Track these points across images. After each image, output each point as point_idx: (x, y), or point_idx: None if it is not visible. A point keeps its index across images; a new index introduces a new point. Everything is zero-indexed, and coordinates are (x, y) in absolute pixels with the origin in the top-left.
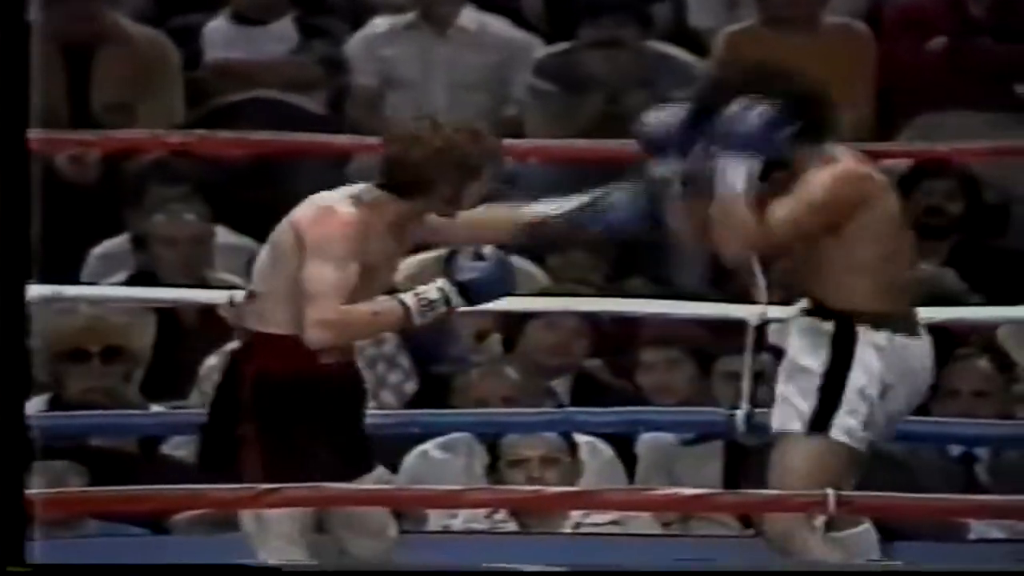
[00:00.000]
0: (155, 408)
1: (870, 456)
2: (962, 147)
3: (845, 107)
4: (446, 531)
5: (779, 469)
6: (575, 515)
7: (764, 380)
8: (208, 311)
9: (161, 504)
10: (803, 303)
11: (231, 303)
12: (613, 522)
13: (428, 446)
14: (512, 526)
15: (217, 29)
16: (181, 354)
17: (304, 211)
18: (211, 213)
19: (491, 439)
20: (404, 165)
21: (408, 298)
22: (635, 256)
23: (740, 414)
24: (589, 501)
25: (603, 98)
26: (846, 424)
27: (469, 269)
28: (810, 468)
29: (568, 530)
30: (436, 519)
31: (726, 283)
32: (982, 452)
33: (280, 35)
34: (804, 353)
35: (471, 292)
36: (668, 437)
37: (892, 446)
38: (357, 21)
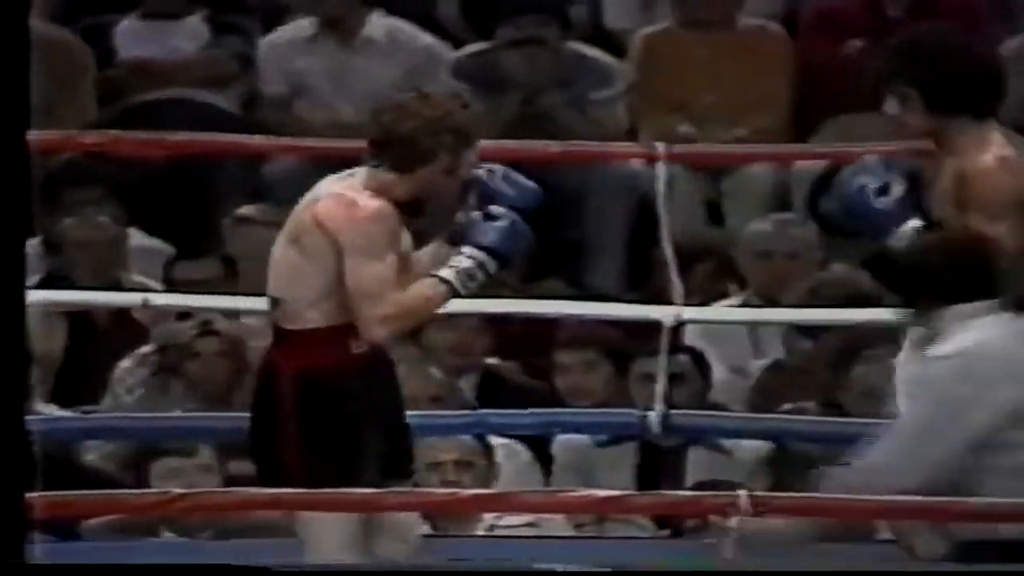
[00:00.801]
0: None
1: (783, 457)
2: (878, 148)
3: (761, 108)
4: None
5: None
6: (488, 518)
7: (680, 381)
8: (122, 314)
9: (161, 507)
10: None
11: (144, 305)
12: (528, 524)
13: None
14: (425, 529)
15: (129, 27)
16: (93, 357)
17: (326, 207)
18: (125, 215)
19: None
20: (399, 139)
21: (447, 273)
22: (551, 257)
23: (654, 415)
24: (504, 503)
25: (521, 98)
26: None
27: (489, 230)
28: None
29: (482, 532)
30: None
31: (643, 284)
32: None
33: (191, 32)
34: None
35: (499, 251)
36: (584, 439)
37: (807, 447)
38: (268, 19)
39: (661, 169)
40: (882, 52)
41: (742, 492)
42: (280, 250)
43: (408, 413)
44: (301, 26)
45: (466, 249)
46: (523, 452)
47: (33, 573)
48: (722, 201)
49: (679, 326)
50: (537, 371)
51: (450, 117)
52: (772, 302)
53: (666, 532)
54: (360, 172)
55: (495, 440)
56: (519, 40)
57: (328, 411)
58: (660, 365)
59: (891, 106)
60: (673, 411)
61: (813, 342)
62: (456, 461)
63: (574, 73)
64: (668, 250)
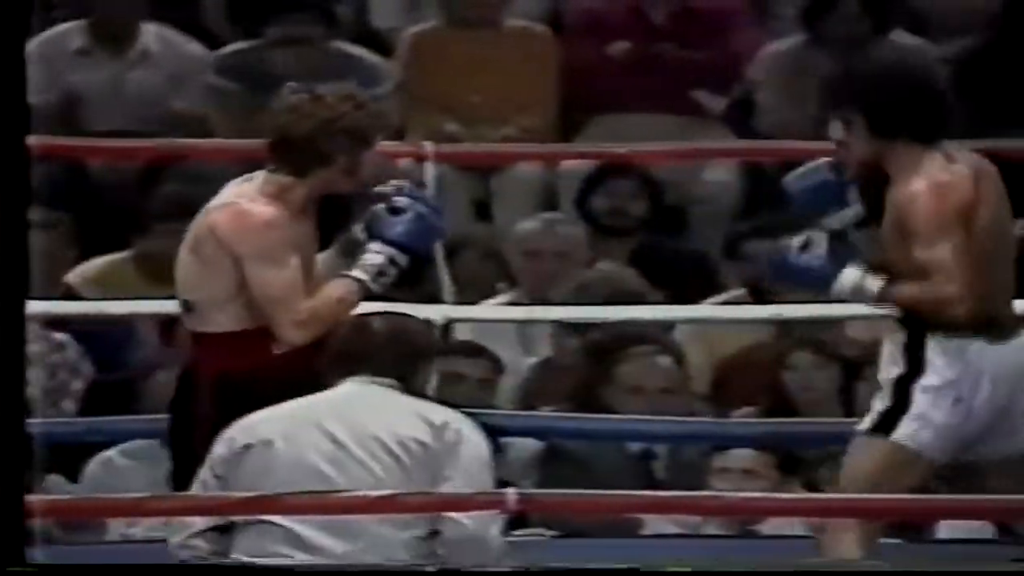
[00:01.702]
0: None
1: (552, 454)
2: (642, 149)
3: (527, 108)
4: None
5: (844, 468)
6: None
7: (453, 380)
8: None
9: (159, 511)
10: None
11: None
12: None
13: (112, 453)
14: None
15: None
16: None
17: (218, 216)
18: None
19: None
20: (293, 141)
21: (357, 272)
22: None
23: None
24: (275, 506)
25: None
26: (909, 429)
27: (395, 224)
28: (866, 467)
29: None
30: (115, 527)
31: (413, 284)
32: (661, 449)
33: None
34: (885, 363)
35: (408, 245)
36: None
37: (573, 443)
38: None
39: (429, 168)
40: (827, 77)
41: (510, 489)
42: (184, 255)
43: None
44: (70, 35)
45: (374, 245)
46: None
47: (33, 573)
48: (491, 200)
49: (448, 325)
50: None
51: (345, 118)
52: (541, 300)
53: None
54: (258, 176)
55: None
56: (285, 39)
57: (243, 414)
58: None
59: (835, 130)
60: None
61: (580, 340)
62: None
63: (341, 72)
64: (438, 249)
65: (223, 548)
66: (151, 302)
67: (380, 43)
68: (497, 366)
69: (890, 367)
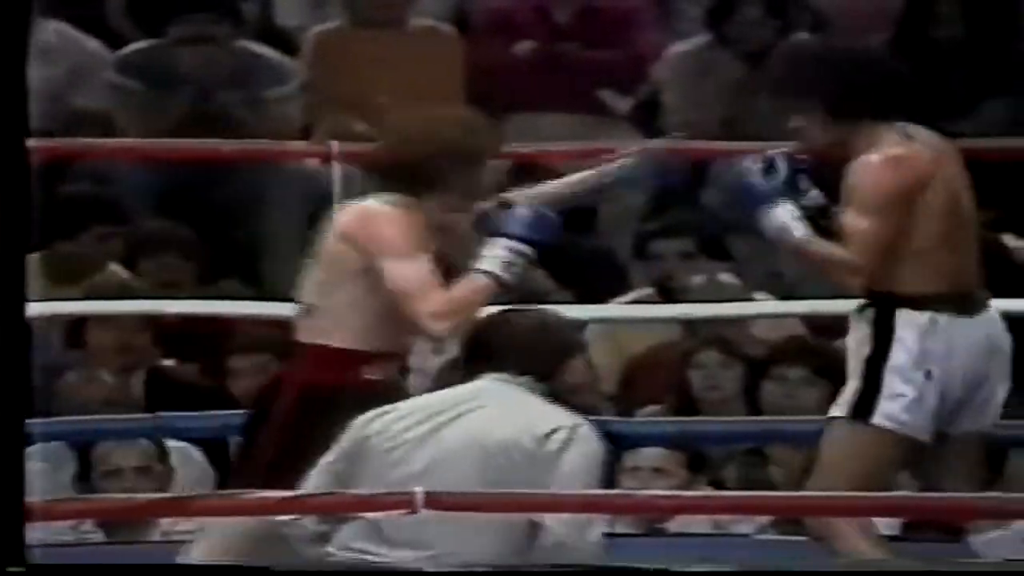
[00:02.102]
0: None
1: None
2: (547, 148)
3: (434, 107)
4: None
5: (822, 455)
6: (165, 523)
7: None
8: None
9: (159, 511)
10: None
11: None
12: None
13: None
14: (99, 536)
15: None
16: None
17: (346, 219)
18: None
19: (82, 448)
20: (407, 166)
21: (487, 265)
22: (228, 258)
23: None
24: (181, 508)
25: (193, 95)
26: (887, 409)
27: (514, 220)
28: (849, 454)
29: (158, 538)
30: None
31: None
32: None
33: None
34: (854, 342)
35: (534, 239)
36: None
37: None
38: None
39: (336, 168)
40: (784, 69)
41: (417, 489)
42: (314, 262)
43: (86, 418)
44: None
45: (495, 240)
46: (196, 456)
47: (33, 573)
48: None
49: None
50: (213, 374)
51: (456, 140)
52: None
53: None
54: (384, 196)
55: (171, 444)
56: (189, 37)
57: (317, 429)
58: None
59: (796, 120)
60: None
61: None
62: (135, 467)
63: (247, 71)
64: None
65: (330, 529)
66: (152, 302)
67: (285, 42)
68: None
69: (860, 348)
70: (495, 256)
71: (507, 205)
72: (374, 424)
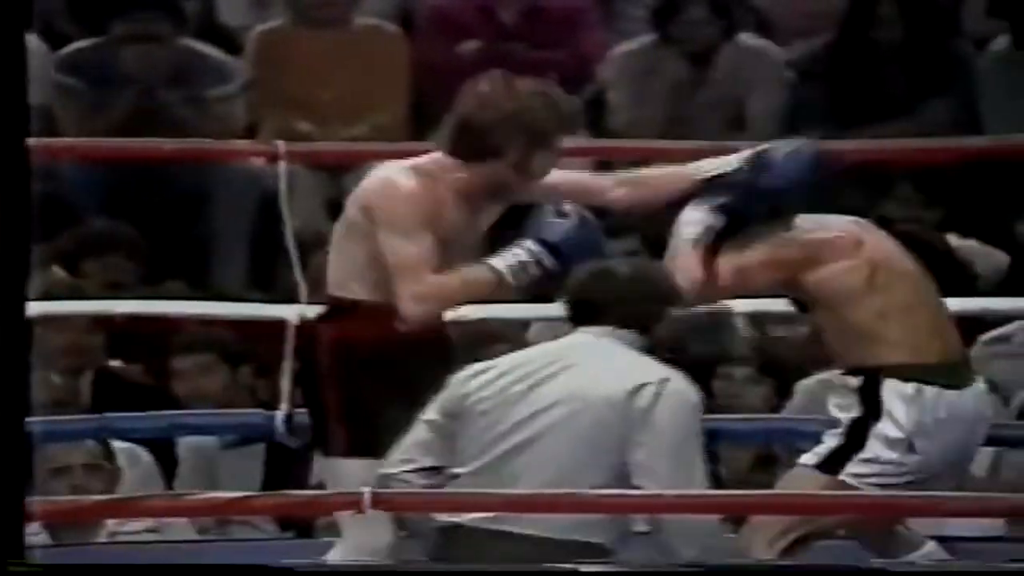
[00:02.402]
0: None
1: None
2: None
3: (378, 106)
4: None
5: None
6: (111, 524)
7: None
8: None
9: (158, 511)
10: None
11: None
12: (149, 530)
13: None
14: (44, 537)
15: None
16: None
17: (369, 184)
18: None
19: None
20: (472, 128)
21: (497, 262)
22: (173, 258)
23: (279, 415)
24: (128, 509)
25: (136, 94)
26: (857, 469)
27: (556, 227)
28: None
29: (104, 539)
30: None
31: (268, 284)
32: None
33: None
34: (837, 409)
35: (561, 251)
36: (211, 440)
37: None
38: None
39: (282, 167)
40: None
41: (365, 488)
42: (338, 223)
43: (30, 419)
44: None
45: (526, 242)
46: (144, 456)
47: (33, 573)
48: (344, 199)
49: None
50: (157, 374)
51: (529, 114)
52: None
53: (290, 534)
54: (430, 156)
55: (117, 444)
56: (132, 36)
57: (361, 382)
58: (285, 364)
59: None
60: (299, 410)
61: None
62: (84, 465)
63: (190, 69)
64: (292, 249)
65: (438, 484)
66: (152, 302)
67: (228, 41)
68: None
69: (847, 408)
70: (513, 254)
71: (562, 213)
72: (472, 382)
